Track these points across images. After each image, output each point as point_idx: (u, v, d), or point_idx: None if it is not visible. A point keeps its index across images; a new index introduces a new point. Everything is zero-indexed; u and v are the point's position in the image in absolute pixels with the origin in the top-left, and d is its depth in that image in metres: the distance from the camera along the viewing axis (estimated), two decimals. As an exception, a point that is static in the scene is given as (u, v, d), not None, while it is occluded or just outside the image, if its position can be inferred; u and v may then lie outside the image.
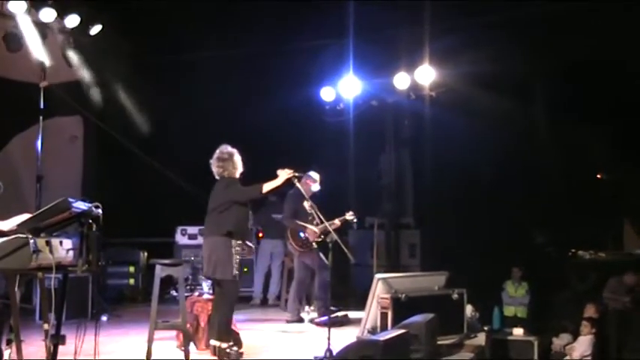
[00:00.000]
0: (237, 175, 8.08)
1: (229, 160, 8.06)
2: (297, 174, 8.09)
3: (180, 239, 13.75)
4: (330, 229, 8.95)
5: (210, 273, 7.97)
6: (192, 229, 13.77)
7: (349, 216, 10.65)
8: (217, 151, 8.17)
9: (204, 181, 11.68)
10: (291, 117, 13.65)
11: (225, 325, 7.97)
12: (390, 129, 14.11)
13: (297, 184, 8.21)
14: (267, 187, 7.90)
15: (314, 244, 10.22)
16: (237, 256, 7.81)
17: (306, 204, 9.43)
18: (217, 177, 8.19)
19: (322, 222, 9.39)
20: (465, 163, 13.73)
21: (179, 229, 13.81)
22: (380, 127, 14.19)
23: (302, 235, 10.52)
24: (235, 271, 7.82)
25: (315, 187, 10.49)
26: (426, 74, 13.05)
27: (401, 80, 13.28)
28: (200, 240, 12.19)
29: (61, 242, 6.13)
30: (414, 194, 15.07)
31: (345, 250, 8.62)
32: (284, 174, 7.98)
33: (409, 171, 15.12)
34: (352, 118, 13.54)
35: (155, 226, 13.63)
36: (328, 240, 8.42)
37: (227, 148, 8.09)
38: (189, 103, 13.82)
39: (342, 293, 12.51)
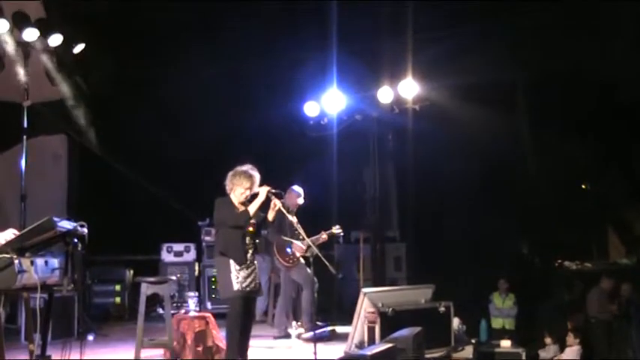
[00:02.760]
0: (239, 196, 7.81)
1: (232, 178, 7.86)
2: (273, 190, 7.88)
3: (166, 256, 13.62)
4: (312, 245, 8.80)
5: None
6: (178, 247, 13.72)
7: (336, 230, 10.56)
8: None
9: (190, 197, 12.86)
10: (274, 132, 13.67)
11: (230, 342, 7.84)
12: (373, 143, 13.91)
13: (275, 200, 7.85)
14: (253, 208, 7.77)
15: (301, 259, 10.25)
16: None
17: (292, 219, 9.08)
18: None
19: (304, 238, 9.09)
20: (450, 176, 13.80)
21: (164, 246, 13.68)
22: (364, 141, 14.01)
23: (289, 250, 10.40)
24: (237, 287, 7.66)
25: (301, 200, 10.36)
26: (409, 88, 12.99)
27: (384, 94, 13.20)
28: (185, 257, 13.12)
29: (46, 262, 6.10)
30: (399, 207, 15.05)
31: (327, 264, 8.46)
32: (263, 190, 7.82)
33: (393, 184, 15.10)
34: (336, 132, 13.41)
35: (141, 243, 13.57)
36: (308, 254, 8.54)
37: (240, 167, 7.90)
38: (172, 117, 13.76)
39: (328, 308, 12.50)
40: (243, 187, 7.70)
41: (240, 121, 13.53)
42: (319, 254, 8.42)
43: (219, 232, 7.80)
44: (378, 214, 13.92)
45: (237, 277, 7.60)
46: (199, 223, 13.61)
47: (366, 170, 14.67)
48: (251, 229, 7.60)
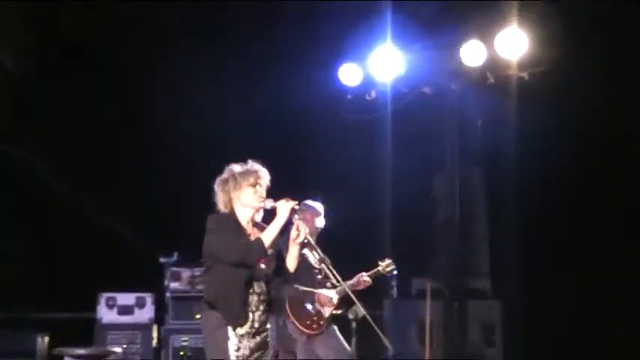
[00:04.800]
0: (252, 199, 7.02)
1: (226, 182, 7.06)
2: (299, 203, 7.09)
3: (106, 314, 12.02)
4: (354, 297, 7.84)
5: None
6: (126, 298, 12.08)
7: (385, 266, 9.52)
8: None
9: (147, 219, 12.32)
10: (291, 115, 12.63)
11: None
12: (452, 133, 12.24)
13: (299, 224, 6.93)
14: (270, 236, 6.88)
15: (329, 320, 9.37)
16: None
17: (311, 254, 8.79)
18: None
19: (339, 282, 8.11)
20: (575, 189, 12.38)
21: (103, 297, 12.04)
22: (435, 129, 12.38)
23: (310, 307, 9.37)
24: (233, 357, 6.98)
25: (320, 221, 9.54)
26: (515, 43, 11.33)
27: (471, 53, 11.50)
28: (137, 315, 12.19)
29: None
30: (491, 239, 13.23)
31: (378, 331, 7.59)
32: (285, 206, 6.91)
33: (483, 202, 13.36)
34: (390, 114, 12.03)
35: (64, 292, 12.24)
36: (351, 316, 8.36)
37: (236, 165, 7.17)
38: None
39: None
40: (251, 185, 6.99)
41: (242, 99, 12.73)
42: (367, 316, 7.77)
43: (208, 271, 7.05)
44: (457, 249, 12.34)
45: (238, 349, 6.90)
46: (162, 259, 12.17)
47: (437, 177, 13.15)
48: (263, 266, 6.88)
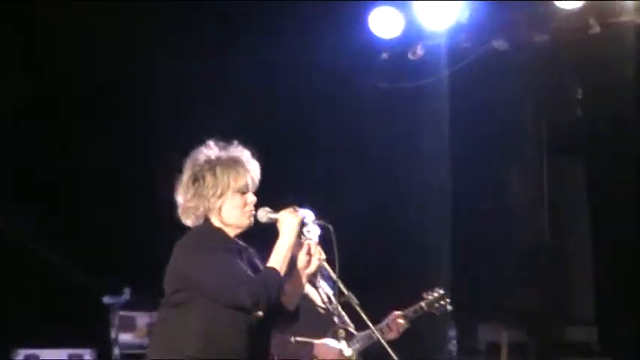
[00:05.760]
0: (240, 213, 5.37)
1: (201, 180, 5.34)
2: (318, 222, 5.60)
3: None
4: (389, 349, 6.08)
5: None
6: (54, 355, 10.34)
7: (434, 300, 7.82)
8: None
9: (87, 246, 10.67)
10: (303, 81, 10.44)
11: None
12: (536, 108, 10.47)
13: (310, 244, 5.35)
14: (281, 260, 5.29)
15: None
16: None
17: (312, 288, 7.18)
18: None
19: (368, 325, 6.46)
20: None
21: (21, 355, 10.33)
22: (512, 104, 10.41)
23: None
24: None
25: (315, 233, 6.69)
26: None
27: None
28: None
29: None
30: (598, 270, 10.87)
31: None
32: (290, 219, 5.37)
33: (585, 210, 11.06)
34: (447, 77, 10.13)
35: None
36: None
37: (210, 149, 5.40)
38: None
39: None
40: (240, 191, 5.35)
41: (234, 62, 10.81)
42: None
43: (185, 308, 5.34)
44: (548, 283, 10.62)
45: None
46: (107, 299, 10.39)
47: (516, 173, 11.07)
48: (261, 313, 5.33)
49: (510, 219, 11.11)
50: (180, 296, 5.22)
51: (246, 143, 5.31)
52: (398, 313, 7.64)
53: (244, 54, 10.68)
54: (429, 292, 7.65)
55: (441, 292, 7.69)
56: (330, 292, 7.05)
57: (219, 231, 5.39)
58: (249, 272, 5.22)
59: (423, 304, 7.59)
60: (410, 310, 7.64)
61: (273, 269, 5.27)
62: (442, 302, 7.73)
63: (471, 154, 10.45)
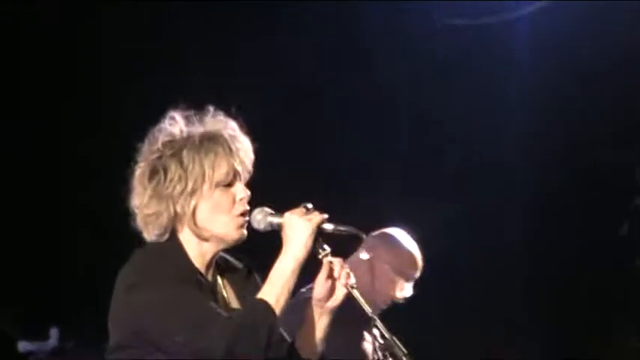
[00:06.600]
0: (220, 215, 4.26)
1: (164, 172, 4.19)
2: (342, 228, 4.05)
3: None
4: None
5: None
6: None
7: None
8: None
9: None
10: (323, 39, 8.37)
11: None
12: None
13: (335, 265, 4.06)
14: (279, 286, 4.32)
15: None
16: None
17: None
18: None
19: None
20: None
21: None
22: (629, 55, 8.14)
23: None
24: None
25: (408, 289, 6.46)
26: None
27: None
28: None
29: None
30: None
31: None
32: (302, 225, 4.17)
33: None
34: (527, 19, 8.24)
35: None
36: None
37: (174, 121, 4.16)
38: None
39: None
40: (224, 183, 4.25)
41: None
42: None
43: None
44: None
45: None
46: (23, 345, 8.92)
47: None
48: None
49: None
50: (129, 354, 4.04)
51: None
52: None
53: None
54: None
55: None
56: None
57: (178, 252, 4.15)
58: (222, 312, 3.92)
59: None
60: None
61: (263, 303, 4.01)
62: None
63: (571, 129, 8.16)
